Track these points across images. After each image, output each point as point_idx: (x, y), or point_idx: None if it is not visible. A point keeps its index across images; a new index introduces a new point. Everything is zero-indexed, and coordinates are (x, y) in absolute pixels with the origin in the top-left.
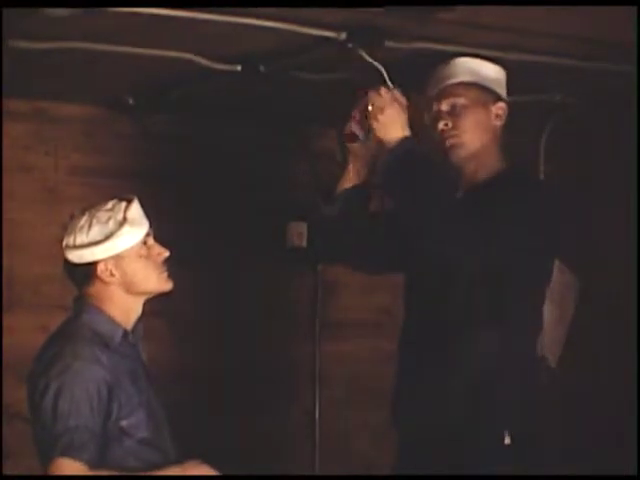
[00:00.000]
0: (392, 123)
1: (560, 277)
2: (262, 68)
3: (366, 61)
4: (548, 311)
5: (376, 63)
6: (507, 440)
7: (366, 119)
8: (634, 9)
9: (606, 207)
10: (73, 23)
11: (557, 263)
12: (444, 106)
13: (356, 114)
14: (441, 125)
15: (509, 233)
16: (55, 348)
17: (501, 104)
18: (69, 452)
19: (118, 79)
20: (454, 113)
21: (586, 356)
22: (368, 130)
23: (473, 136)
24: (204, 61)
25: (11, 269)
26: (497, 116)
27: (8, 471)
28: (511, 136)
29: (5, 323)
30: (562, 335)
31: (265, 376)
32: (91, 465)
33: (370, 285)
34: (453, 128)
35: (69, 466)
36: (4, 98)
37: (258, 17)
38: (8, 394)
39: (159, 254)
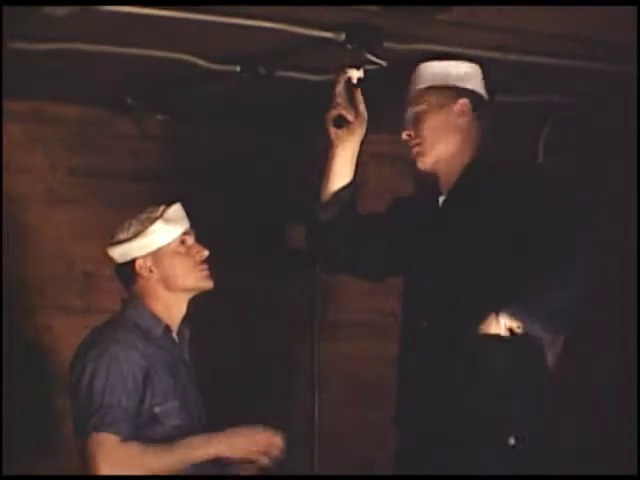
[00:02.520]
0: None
1: None
2: (261, 69)
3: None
4: None
5: (379, 60)
6: (512, 441)
7: (354, 100)
8: (634, 9)
9: (606, 207)
10: (72, 24)
11: None
12: (407, 114)
13: (340, 96)
14: (404, 135)
15: (500, 226)
16: (95, 336)
17: (463, 101)
18: (103, 427)
19: (117, 80)
20: (415, 121)
21: (586, 356)
22: (357, 113)
23: (433, 141)
24: (203, 62)
25: (12, 270)
26: (461, 113)
27: (8, 471)
28: (511, 136)
29: (5, 324)
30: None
31: (264, 376)
32: (124, 438)
33: (369, 286)
34: (415, 137)
35: (103, 439)
36: (3, 99)
37: (257, 18)
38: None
39: (198, 252)
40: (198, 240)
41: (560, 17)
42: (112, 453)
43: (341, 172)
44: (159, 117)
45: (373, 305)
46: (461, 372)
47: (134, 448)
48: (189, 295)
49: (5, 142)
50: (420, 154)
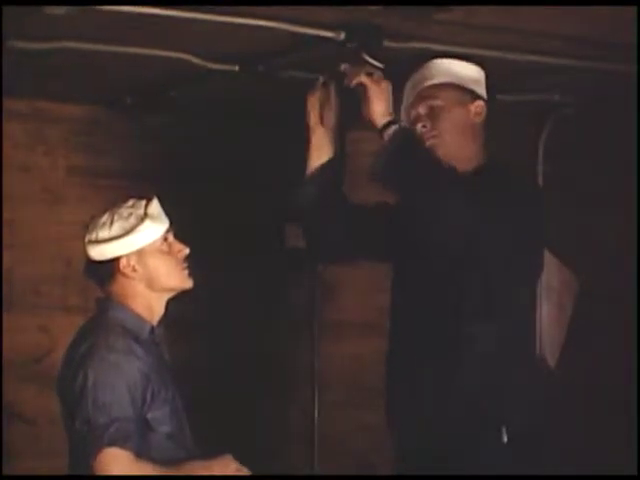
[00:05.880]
0: (377, 103)
1: (559, 277)
2: (261, 68)
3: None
4: (547, 311)
5: (375, 62)
6: (505, 438)
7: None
8: (634, 9)
9: (606, 207)
10: (71, 23)
11: (557, 262)
12: (422, 109)
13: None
14: (419, 127)
15: (493, 226)
16: (87, 342)
17: (479, 102)
18: (117, 442)
19: (116, 79)
20: (432, 115)
21: (586, 356)
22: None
23: (452, 136)
24: (202, 61)
25: (11, 269)
26: (476, 114)
27: (8, 471)
28: (511, 136)
29: (5, 323)
30: (561, 335)
31: (264, 376)
32: (136, 455)
33: (369, 285)
34: (432, 129)
35: (117, 455)
36: (3, 99)
37: (257, 17)
38: (8, 394)
39: (180, 251)
40: (177, 237)
41: (560, 17)
42: (127, 469)
43: (319, 150)
44: (158, 116)
45: (373, 304)
46: (450, 365)
47: (148, 467)
48: (169, 295)
49: (5, 141)
50: (435, 146)
